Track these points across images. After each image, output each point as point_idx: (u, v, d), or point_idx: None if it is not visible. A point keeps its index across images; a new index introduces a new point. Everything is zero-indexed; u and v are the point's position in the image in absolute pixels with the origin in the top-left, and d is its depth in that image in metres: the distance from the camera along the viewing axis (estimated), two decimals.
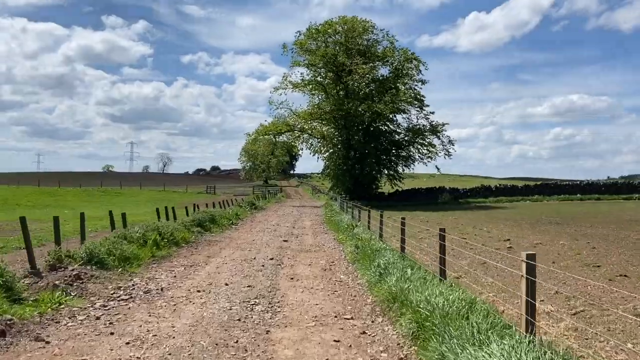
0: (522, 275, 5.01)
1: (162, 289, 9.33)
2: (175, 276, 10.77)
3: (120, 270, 10.65)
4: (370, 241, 12.86)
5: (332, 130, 49.59)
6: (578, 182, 52.15)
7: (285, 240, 17.77)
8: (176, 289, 9.38)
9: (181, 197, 67.26)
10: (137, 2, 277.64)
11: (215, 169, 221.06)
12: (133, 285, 9.67)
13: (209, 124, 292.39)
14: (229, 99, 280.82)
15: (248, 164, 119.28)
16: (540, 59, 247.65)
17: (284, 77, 48.17)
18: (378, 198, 49.64)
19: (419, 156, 49.65)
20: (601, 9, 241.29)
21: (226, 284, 9.81)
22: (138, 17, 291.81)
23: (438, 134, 47.89)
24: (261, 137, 50.17)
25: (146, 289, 9.29)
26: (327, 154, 50.44)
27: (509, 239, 16.11)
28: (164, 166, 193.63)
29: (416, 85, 46.97)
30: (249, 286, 9.62)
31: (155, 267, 11.71)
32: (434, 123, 47.83)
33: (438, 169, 50.33)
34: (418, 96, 47.12)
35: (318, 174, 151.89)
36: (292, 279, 10.56)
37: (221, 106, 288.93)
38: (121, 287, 9.46)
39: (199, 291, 9.21)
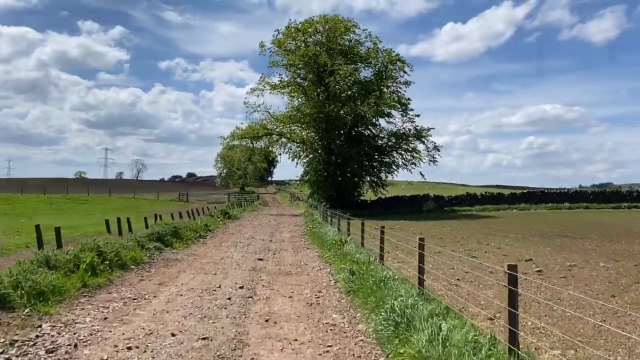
0: None
1: (75, 346, 6.37)
2: (106, 318, 7.82)
3: (27, 311, 7.65)
4: (369, 265, 10.05)
5: (312, 134, 46.87)
6: (566, 191, 50.48)
7: (260, 259, 14.89)
8: (98, 345, 6.44)
9: (152, 204, 63.61)
10: (114, 8, 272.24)
11: (191, 175, 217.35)
12: (37, 337, 6.69)
13: (186, 131, 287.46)
14: (207, 105, 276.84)
15: (224, 171, 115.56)
16: (514, 70, 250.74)
17: (261, 78, 45.40)
18: (360, 206, 47.04)
19: (402, 162, 47.27)
20: (574, 20, 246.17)
21: (173, 335, 6.90)
22: (115, 23, 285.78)
23: (423, 139, 45.58)
24: (237, 141, 47.08)
25: (52, 346, 6.31)
26: (306, 159, 47.69)
27: (530, 259, 13.51)
28: (138, 173, 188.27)
29: (400, 87, 44.65)
30: (204, 338, 6.73)
31: (83, 303, 8.71)
32: (418, 128, 45.57)
33: (422, 175, 48.06)
34: (402, 100, 44.75)
35: (297, 181, 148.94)
36: (267, 321, 7.71)
37: (199, 113, 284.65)
38: (17, 340, 6.48)
39: (129, 348, 6.30)
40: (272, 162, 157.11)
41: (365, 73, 46.17)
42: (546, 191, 50.64)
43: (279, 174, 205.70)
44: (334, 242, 13.86)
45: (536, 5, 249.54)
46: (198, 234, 20.97)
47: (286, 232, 24.60)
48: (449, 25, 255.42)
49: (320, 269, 12.84)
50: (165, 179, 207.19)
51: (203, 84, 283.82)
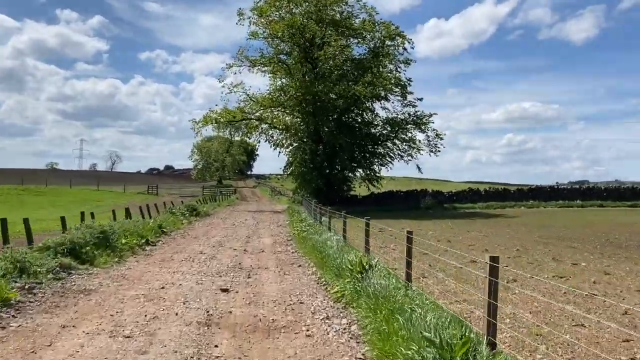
0: None
1: None
2: None
3: None
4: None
5: (298, 120, 41.05)
6: (577, 187, 45.69)
7: (224, 290, 9.15)
8: None
9: (116, 197, 57.14)
10: None
11: (168, 168, 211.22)
12: None
13: (165, 123, 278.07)
14: (187, 97, 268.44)
15: (200, 163, 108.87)
16: (495, 67, 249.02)
17: (239, 52, 39.26)
18: (350, 202, 41.49)
19: (398, 153, 41.79)
20: (554, 19, 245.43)
21: None
22: (94, 12, 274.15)
23: (423, 126, 40.07)
24: (210, 126, 41.02)
25: None
26: (290, 148, 41.91)
27: None
28: (113, 164, 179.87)
29: (399, 66, 38.95)
30: None
31: None
32: (418, 114, 39.97)
33: (419, 168, 42.62)
34: (400, 82, 39.13)
35: (278, 175, 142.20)
36: None
37: (179, 105, 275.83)
38: None
39: None
40: (251, 155, 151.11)
41: (359, 50, 40.54)
42: (555, 187, 45.85)
43: (259, 167, 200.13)
44: (349, 266, 8.12)
45: (518, 3, 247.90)
46: (144, 240, 15.06)
47: (267, 236, 18.83)
48: (432, 22, 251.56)
49: (328, 318, 7.15)
50: (142, 171, 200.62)
51: (183, 76, 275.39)
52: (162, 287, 9.34)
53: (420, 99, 39.52)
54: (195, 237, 18.42)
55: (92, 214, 15.75)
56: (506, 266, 11.13)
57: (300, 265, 12.00)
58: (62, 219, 13.29)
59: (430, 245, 13.56)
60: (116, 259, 12.20)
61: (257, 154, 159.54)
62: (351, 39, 39.14)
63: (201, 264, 12.03)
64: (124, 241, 13.63)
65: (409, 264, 7.47)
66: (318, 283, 9.82)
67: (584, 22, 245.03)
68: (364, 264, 7.90)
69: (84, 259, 11.10)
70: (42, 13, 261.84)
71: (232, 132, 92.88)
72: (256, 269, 11.48)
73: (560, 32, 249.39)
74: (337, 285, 8.38)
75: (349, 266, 8.24)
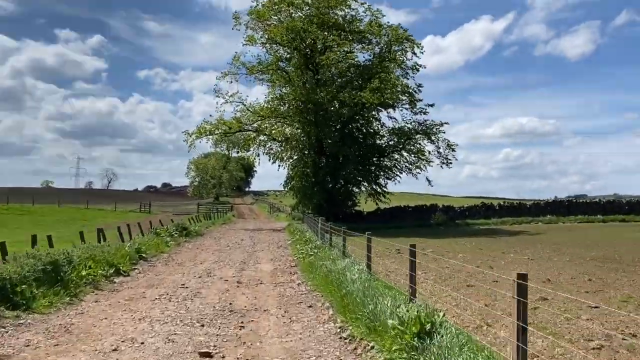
0: None
1: None
2: None
3: None
4: None
5: (299, 131, 38.24)
6: (597, 201, 42.78)
7: (205, 354, 6.18)
8: None
9: (105, 216, 54.09)
10: (93, 16, 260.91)
11: (166, 185, 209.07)
12: None
13: (163, 141, 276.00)
14: (186, 115, 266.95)
15: (197, 179, 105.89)
16: (491, 83, 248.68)
17: (234, 58, 36.51)
18: (355, 218, 38.55)
19: (406, 165, 38.93)
20: (550, 35, 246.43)
21: None
22: (93, 32, 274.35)
23: (432, 137, 37.26)
24: (204, 138, 38.12)
25: None
26: (290, 161, 39.03)
27: None
28: (109, 182, 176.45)
29: (408, 72, 36.18)
30: None
31: None
32: (428, 123, 37.17)
33: (429, 181, 39.74)
34: (408, 88, 36.41)
35: (276, 191, 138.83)
36: None
37: (177, 123, 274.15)
38: None
39: None
40: (249, 172, 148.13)
41: (363, 57, 37.91)
42: (574, 200, 42.93)
43: (257, 184, 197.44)
44: (395, 321, 5.16)
45: (514, 19, 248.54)
46: (113, 270, 12.07)
47: (266, 261, 15.84)
48: (429, 38, 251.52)
49: None
50: (140, 189, 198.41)
51: (182, 94, 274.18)
52: (115, 349, 6.38)
53: (432, 105, 36.73)
54: (180, 263, 15.42)
55: (49, 238, 12.77)
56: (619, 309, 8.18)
57: (311, 306, 9.03)
58: (1, 245, 10.28)
59: (483, 277, 10.64)
60: (67, 298, 9.22)
61: (255, 171, 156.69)
62: (355, 45, 36.50)
63: (179, 305, 9.05)
64: (84, 273, 10.65)
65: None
66: (341, 338, 6.85)
67: (579, 38, 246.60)
68: (423, 321, 4.94)
69: (18, 301, 8.12)
70: (41, 33, 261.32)
71: (230, 148, 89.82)
72: (252, 313, 8.52)
73: (555, 48, 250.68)
74: (376, 350, 5.39)
75: (396, 321, 5.26)
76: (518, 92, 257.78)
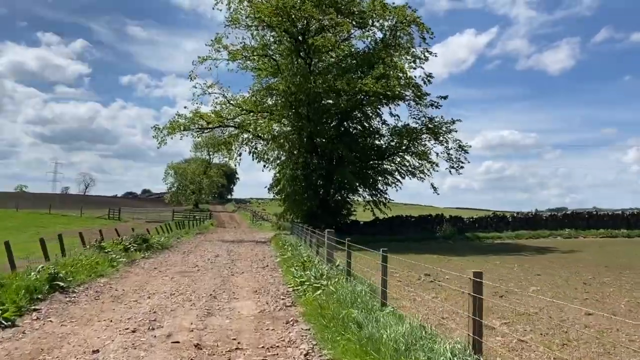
0: None
1: None
2: None
3: None
4: None
5: (288, 128, 33.13)
6: (620, 212, 38.33)
7: None
8: None
9: (67, 223, 48.08)
10: (77, 20, 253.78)
11: (146, 191, 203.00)
12: None
13: (145, 147, 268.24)
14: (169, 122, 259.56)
15: (175, 185, 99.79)
16: (474, 96, 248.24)
17: (216, 38, 31.18)
18: (351, 228, 33.51)
19: (408, 170, 33.97)
20: (531, 50, 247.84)
21: None
22: (77, 36, 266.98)
23: (441, 137, 32.35)
24: (178, 134, 32.73)
25: None
26: (278, 161, 33.90)
27: None
28: (86, 188, 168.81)
29: (416, 61, 31.13)
30: None
31: None
32: (436, 120, 32.22)
33: (435, 188, 34.76)
34: (411, 81, 31.38)
35: (259, 199, 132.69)
36: None
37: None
38: None
39: None
40: (231, 179, 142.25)
41: (363, 44, 32.93)
42: (594, 212, 38.52)
43: (239, 192, 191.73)
44: None
45: (497, 34, 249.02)
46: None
47: (247, 296, 10.61)
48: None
49: None
50: (119, 195, 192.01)
51: (165, 101, 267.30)
52: None
53: (445, 97, 31.68)
54: (117, 297, 10.15)
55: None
56: None
57: None
58: None
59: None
60: None
61: (238, 178, 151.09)
62: (354, 30, 31.53)
63: None
64: None
65: None
66: None
67: (560, 53, 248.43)
68: None
69: None
70: (23, 36, 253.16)
71: (211, 152, 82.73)
72: None
73: (537, 62, 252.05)
74: None
75: None
76: (500, 105, 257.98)
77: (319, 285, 9.80)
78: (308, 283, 10.36)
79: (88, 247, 15.97)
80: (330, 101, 31.14)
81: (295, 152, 32.15)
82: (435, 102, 30.53)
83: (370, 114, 33.31)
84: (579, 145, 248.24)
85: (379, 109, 32.12)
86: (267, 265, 16.34)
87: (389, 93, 28.17)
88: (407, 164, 34.22)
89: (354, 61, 31.89)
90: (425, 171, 34.16)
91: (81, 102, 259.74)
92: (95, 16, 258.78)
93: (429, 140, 33.09)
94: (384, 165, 34.87)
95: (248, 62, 32.77)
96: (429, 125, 32.05)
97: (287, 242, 23.23)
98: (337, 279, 9.80)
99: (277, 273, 14.31)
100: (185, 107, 43.42)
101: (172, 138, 32.37)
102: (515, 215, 37.74)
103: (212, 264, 16.72)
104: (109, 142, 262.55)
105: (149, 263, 16.56)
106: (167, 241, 24.87)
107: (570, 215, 37.51)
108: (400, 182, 35.00)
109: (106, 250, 15.56)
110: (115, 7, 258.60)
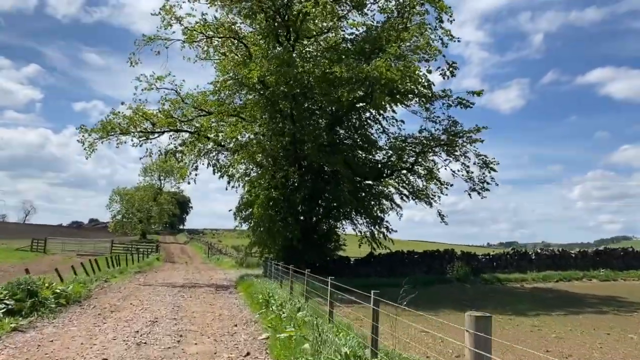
0: None
1: None
2: None
3: None
4: None
5: (262, 135, 25.25)
6: None
7: None
8: None
9: None
10: (30, 45, 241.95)
11: (92, 220, 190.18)
12: None
13: (96, 175, 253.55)
14: (122, 150, 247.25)
15: (119, 212, 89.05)
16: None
17: (164, 7, 23.30)
18: (339, 267, 25.78)
19: (414, 192, 26.69)
20: (484, 89, 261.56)
21: None
22: (29, 60, 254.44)
23: (457, 150, 25.19)
24: (112, 137, 24.25)
25: None
26: (247, 178, 25.87)
27: None
28: (26, 216, 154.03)
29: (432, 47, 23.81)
30: None
31: None
32: (452, 130, 24.87)
33: (442, 217, 27.37)
34: (424, 79, 24.03)
35: (214, 230, 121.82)
36: None
37: (112, 157, 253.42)
38: None
39: None
40: (184, 208, 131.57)
41: (361, 31, 25.67)
42: (633, 250, 31.88)
43: (193, 221, 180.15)
44: None
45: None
46: None
47: None
48: None
49: None
50: (64, 224, 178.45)
51: None
52: None
53: (479, 94, 24.11)
54: None
55: None
56: None
57: None
58: None
59: None
60: None
61: (191, 207, 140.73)
62: (354, 11, 24.29)
63: None
64: None
65: None
66: None
67: (511, 92, 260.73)
68: None
69: None
70: None
71: (162, 178, 72.68)
72: None
73: (490, 101, 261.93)
74: None
75: None
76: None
77: None
78: None
79: None
80: (324, 87, 22.99)
81: (271, 166, 24.20)
82: (463, 100, 23.09)
83: (367, 121, 26.00)
84: (528, 182, 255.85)
85: (388, 109, 24.29)
86: (249, 353, 8.28)
87: (408, 83, 20.86)
88: (411, 184, 27.01)
89: (354, 44, 24.57)
90: (431, 195, 27.02)
91: (31, 128, 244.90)
92: (49, 41, 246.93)
93: (438, 155, 25.94)
94: (380, 188, 27.50)
95: (210, 48, 24.96)
96: (450, 132, 24.68)
97: (266, 291, 15.13)
98: None
99: None
100: (122, 104, 34.34)
101: (102, 142, 23.88)
102: (538, 251, 30.78)
103: (138, 349, 8.49)
104: (58, 170, 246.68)
105: (19, 346, 8.18)
106: (82, 289, 16.25)
107: (602, 253, 30.92)
108: (400, 208, 27.70)
109: None
110: (71, 32, 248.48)
